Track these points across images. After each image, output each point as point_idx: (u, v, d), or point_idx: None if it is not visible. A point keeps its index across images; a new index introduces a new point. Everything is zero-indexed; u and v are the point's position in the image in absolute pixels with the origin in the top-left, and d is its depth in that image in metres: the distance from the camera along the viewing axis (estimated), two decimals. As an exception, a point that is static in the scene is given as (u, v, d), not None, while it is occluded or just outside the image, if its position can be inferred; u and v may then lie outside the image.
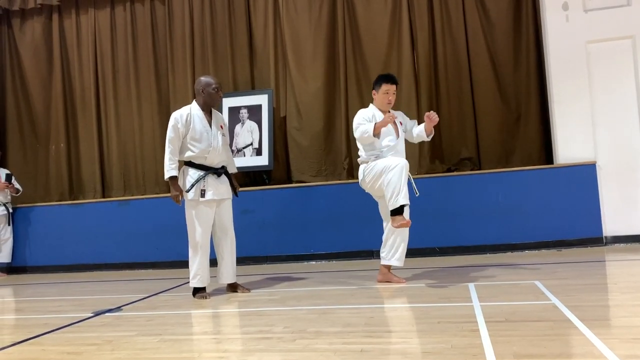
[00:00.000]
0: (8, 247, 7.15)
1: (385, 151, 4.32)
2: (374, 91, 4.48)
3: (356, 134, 4.35)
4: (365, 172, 4.37)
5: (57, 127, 7.70)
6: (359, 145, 4.49)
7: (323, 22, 6.80)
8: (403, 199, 4.09)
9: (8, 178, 7.15)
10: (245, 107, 6.86)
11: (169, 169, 4.35)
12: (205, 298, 4.36)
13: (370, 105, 4.55)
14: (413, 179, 4.44)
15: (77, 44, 7.69)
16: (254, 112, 6.82)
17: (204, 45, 7.22)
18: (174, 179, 4.36)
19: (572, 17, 5.91)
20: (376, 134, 4.22)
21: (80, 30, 7.69)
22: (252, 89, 7.05)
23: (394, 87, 4.42)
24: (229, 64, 7.10)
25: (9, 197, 7.24)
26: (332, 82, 6.80)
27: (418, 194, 4.38)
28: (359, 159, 4.51)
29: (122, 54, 7.53)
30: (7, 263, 7.18)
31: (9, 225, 7.14)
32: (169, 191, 7.16)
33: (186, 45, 7.24)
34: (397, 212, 4.11)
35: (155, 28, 7.44)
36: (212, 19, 7.19)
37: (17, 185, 7.26)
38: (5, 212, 7.13)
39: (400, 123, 4.54)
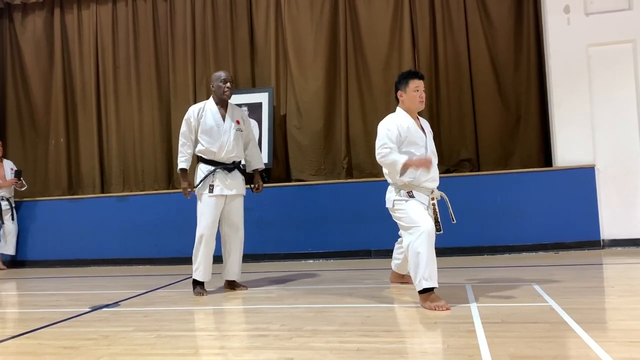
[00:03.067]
0: (13, 239, 7.17)
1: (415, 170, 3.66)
2: (399, 92, 3.80)
3: (379, 159, 3.67)
4: (395, 207, 3.71)
5: (57, 121, 7.69)
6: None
7: (324, 21, 6.80)
8: (427, 281, 3.43)
9: (17, 175, 7.21)
10: (245, 104, 6.85)
11: (179, 162, 4.43)
12: (202, 295, 4.35)
13: (397, 109, 3.83)
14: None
15: (79, 39, 7.68)
16: (254, 110, 6.82)
17: (205, 42, 7.22)
18: (183, 171, 4.44)
19: (573, 20, 5.92)
20: (404, 171, 3.57)
21: (82, 25, 7.68)
22: (253, 87, 7.05)
23: (422, 82, 3.78)
24: (230, 61, 7.09)
25: (13, 192, 7.28)
26: (332, 81, 6.80)
27: (455, 221, 3.84)
28: (386, 176, 3.85)
29: (123, 50, 7.53)
30: (12, 256, 7.21)
31: (12, 220, 7.14)
32: (167, 188, 7.25)
33: (187, 42, 7.24)
34: (425, 290, 3.49)
35: (156, 24, 7.44)
36: (213, 16, 7.19)
37: (23, 181, 7.31)
38: (9, 206, 7.15)
39: (425, 133, 3.85)
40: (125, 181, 7.46)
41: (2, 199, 7.14)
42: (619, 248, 5.71)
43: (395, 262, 4.32)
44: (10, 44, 7.92)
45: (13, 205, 7.21)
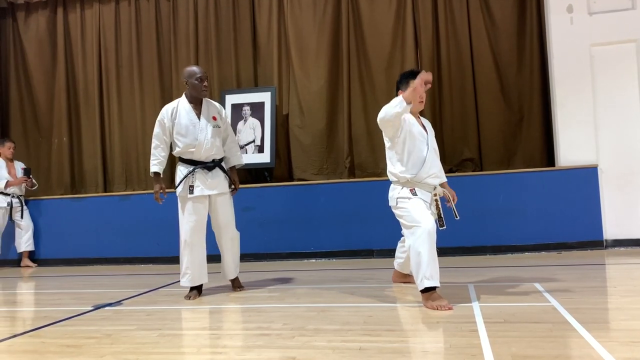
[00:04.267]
0: (28, 235, 7.18)
1: (418, 166, 3.68)
2: (400, 91, 3.77)
3: (381, 117, 3.59)
4: (398, 205, 3.71)
5: (59, 120, 7.71)
6: (387, 158, 3.82)
7: (327, 21, 6.80)
8: (429, 280, 3.42)
9: (26, 173, 7.23)
10: (248, 104, 6.86)
11: (152, 165, 4.27)
12: (190, 299, 4.21)
13: None
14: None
15: (82, 38, 7.70)
16: (257, 110, 6.82)
17: (207, 41, 7.23)
18: (156, 175, 4.29)
19: (576, 19, 5.91)
20: (408, 102, 3.47)
21: (85, 25, 7.70)
22: (255, 86, 7.05)
23: None
24: (233, 60, 7.10)
25: (24, 190, 7.32)
26: (335, 80, 6.80)
27: (458, 217, 3.85)
28: (389, 174, 3.84)
29: (126, 49, 7.54)
30: (31, 251, 7.22)
31: (21, 218, 7.16)
32: (170, 187, 7.24)
33: (190, 42, 7.25)
34: (427, 289, 3.49)
35: (159, 24, 7.45)
36: (216, 15, 7.20)
37: (33, 180, 7.33)
38: (19, 204, 7.18)
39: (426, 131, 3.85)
40: (127, 180, 7.48)
41: (13, 197, 7.16)
42: (622, 248, 5.70)
43: (397, 261, 4.32)
44: (13, 43, 7.94)
45: (23, 203, 7.24)
